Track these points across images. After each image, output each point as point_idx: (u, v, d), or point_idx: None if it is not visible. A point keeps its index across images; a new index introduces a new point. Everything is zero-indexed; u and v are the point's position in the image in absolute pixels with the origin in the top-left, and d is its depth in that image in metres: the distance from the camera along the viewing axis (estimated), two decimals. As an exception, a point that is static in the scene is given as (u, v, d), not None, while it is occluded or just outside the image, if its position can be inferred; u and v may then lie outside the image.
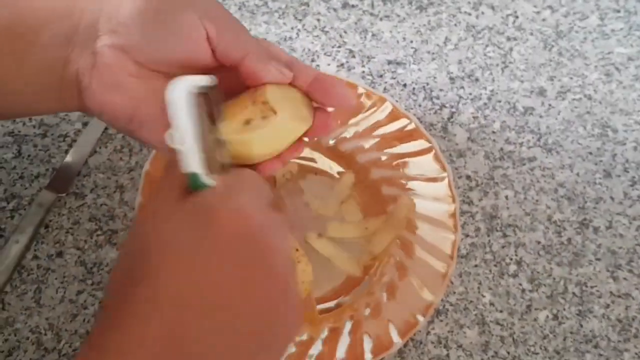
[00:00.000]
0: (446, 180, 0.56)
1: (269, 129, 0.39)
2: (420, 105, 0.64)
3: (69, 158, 0.58)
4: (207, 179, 0.35)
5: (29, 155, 0.59)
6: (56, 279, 0.53)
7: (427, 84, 0.65)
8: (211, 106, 0.38)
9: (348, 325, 0.51)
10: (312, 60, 0.66)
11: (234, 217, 0.33)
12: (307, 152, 0.59)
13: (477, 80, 0.66)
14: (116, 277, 0.34)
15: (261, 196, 0.36)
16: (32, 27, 0.39)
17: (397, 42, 0.68)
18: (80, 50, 0.40)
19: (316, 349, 0.50)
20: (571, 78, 0.67)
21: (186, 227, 0.33)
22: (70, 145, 0.59)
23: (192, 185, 0.35)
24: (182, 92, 0.35)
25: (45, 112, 0.45)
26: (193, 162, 0.35)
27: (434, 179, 0.56)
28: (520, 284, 0.55)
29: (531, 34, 0.70)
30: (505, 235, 0.57)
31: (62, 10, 0.40)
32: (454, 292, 0.54)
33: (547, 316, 0.54)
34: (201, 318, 0.32)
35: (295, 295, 0.35)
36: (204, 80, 0.37)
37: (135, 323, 0.31)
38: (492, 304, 0.54)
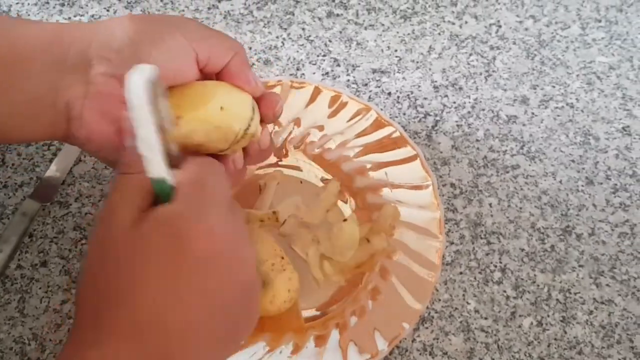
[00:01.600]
0: (430, 188, 0.56)
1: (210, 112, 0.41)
2: (404, 114, 0.64)
3: (53, 167, 0.58)
4: (172, 180, 0.35)
5: (12, 164, 0.58)
6: (40, 288, 0.53)
7: (412, 92, 0.66)
8: (157, 94, 0.36)
9: (334, 334, 0.51)
10: (298, 69, 0.66)
11: (202, 240, 0.34)
12: (292, 160, 0.59)
13: (460, 88, 0.67)
14: (86, 295, 0.34)
15: (222, 201, 0.36)
16: (22, 56, 0.40)
17: (382, 51, 0.69)
18: (72, 79, 0.40)
19: (302, 357, 0.50)
20: (553, 87, 0.67)
21: (156, 249, 0.33)
22: (54, 154, 0.59)
23: (157, 189, 0.35)
24: (142, 90, 0.33)
25: (35, 138, 0.45)
26: (158, 167, 0.34)
27: (418, 187, 0.57)
28: (505, 291, 0.55)
29: (514, 43, 0.70)
30: (489, 243, 0.57)
31: (52, 37, 0.40)
32: (439, 300, 0.55)
33: (532, 323, 0.54)
34: (181, 337, 0.33)
35: (256, 295, 0.38)
36: (152, 70, 0.35)
37: (115, 342, 0.32)
38: (476, 311, 0.54)
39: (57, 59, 0.40)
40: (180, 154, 0.37)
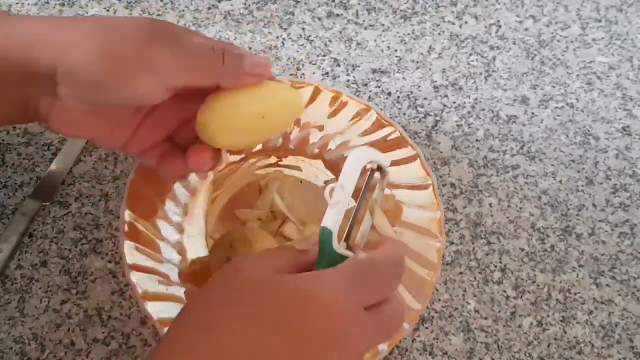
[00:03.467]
0: (430, 188, 0.56)
1: None
2: (404, 114, 0.64)
3: (53, 166, 0.58)
4: (337, 246, 0.37)
5: (12, 164, 0.58)
6: (40, 288, 0.53)
7: (412, 92, 0.66)
8: (374, 189, 0.39)
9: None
10: (298, 69, 0.66)
11: (321, 312, 0.34)
12: (292, 160, 0.59)
13: (460, 88, 0.67)
14: (191, 317, 0.36)
15: (360, 294, 0.36)
16: None
17: (382, 51, 0.69)
18: (40, 91, 0.40)
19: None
20: (553, 87, 0.67)
21: (277, 302, 0.34)
22: (54, 154, 0.59)
23: (321, 240, 0.37)
24: (362, 160, 0.37)
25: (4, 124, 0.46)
26: (335, 221, 0.36)
27: (418, 187, 0.57)
28: (505, 291, 0.55)
29: (514, 43, 0.70)
30: (489, 243, 0.57)
31: (21, 48, 0.39)
32: (439, 300, 0.55)
33: (532, 323, 0.54)
34: None
35: None
36: (381, 158, 0.38)
37: None
38: (476, 310, 0.54)
39: (27, 71, 0.39)
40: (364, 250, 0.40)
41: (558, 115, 0.65)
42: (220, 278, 0.37)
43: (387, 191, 0.57)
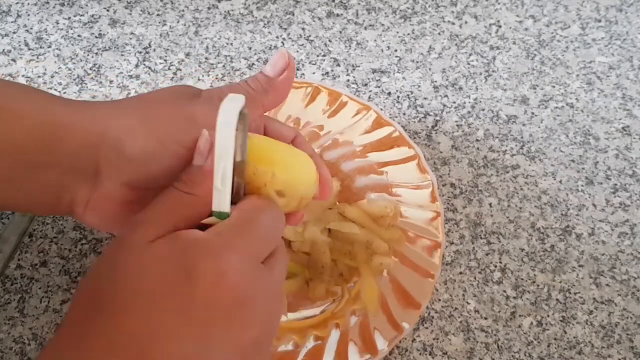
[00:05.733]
0: (430, 188, 0.56)
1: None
2: (404, 114, 0.64)
3: (53, 167, 0.58)
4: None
5: (12, 164, 0.58)
6: (40, 288, 0.53)
7: (412, 92, 0.66)
8: (242, 127, 0.35)
9: (334, 334, 0.51)
10: (298, 69, 0.66)
11: (208, 280, 0.31)
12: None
13: (460, 88, 0.67)
14: (82, 295, 0.33)
15: (257, 253, 0.34)
16: (24, 152, 0.37)
17: (382, 51, 0.69)
18: (78, 181, 0.38)
19: (302, 358, 0.50)
20: (553, 87, 0.67)
21: (157, 270, 0.32)
22: (54, 154, 0.59)
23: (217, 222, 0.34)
24: (233, 121, 0.32)
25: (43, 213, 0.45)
26: (224, 201, 0.34)
27: (418, 187, 0.57)
28: (505, 291, 0.55)
29: (514, 43, 0.70)
30: (489, 243, 0.57)
31: (55, 135, 0.37)
32: (439, 300, 0.55)
33: (532, 323, 0.54)
34: None
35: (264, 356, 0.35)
36: (243, 101, 0.34)
37: (91, 357, 0.30)
38: (476, 310, 0.54)
39: (63, 160, 0.37)
40: (245, 192, 0.37)
41: (558, 115, 0.65)
42: (107, 249, 0.34)
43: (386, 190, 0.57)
